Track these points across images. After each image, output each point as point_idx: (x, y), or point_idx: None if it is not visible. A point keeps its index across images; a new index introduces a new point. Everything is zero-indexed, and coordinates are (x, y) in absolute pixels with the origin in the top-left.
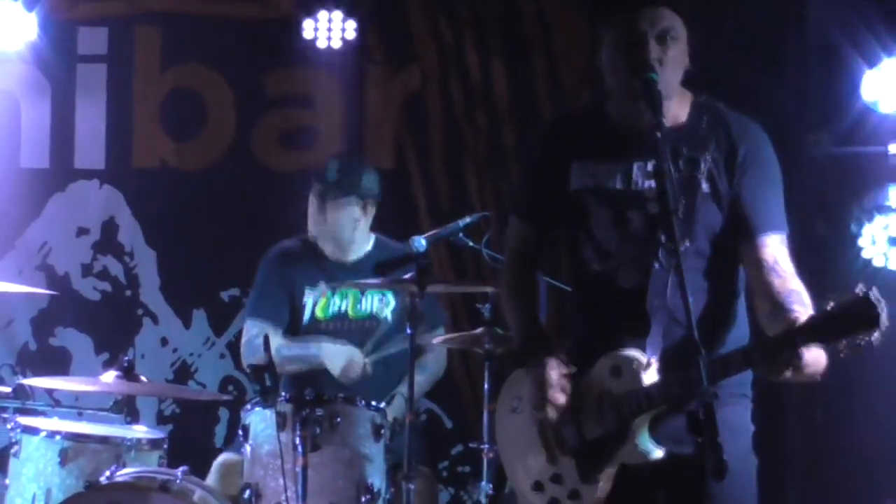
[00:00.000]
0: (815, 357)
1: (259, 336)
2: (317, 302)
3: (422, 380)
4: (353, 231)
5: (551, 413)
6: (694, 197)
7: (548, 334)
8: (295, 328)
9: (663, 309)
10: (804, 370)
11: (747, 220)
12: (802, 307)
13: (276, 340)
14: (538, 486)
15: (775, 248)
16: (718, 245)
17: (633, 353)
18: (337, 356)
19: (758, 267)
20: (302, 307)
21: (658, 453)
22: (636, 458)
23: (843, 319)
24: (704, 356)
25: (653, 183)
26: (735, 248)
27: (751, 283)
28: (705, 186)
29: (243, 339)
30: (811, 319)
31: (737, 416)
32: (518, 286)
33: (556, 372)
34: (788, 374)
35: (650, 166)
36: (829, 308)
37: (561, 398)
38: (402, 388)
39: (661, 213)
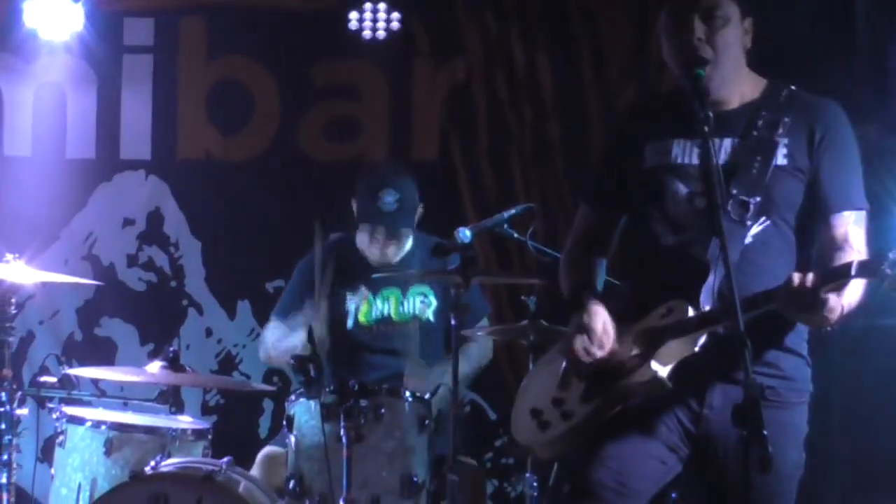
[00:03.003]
0: (833, 304)
1: (274, 331)
2: (359, 307)
3: (465, 367)
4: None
5: (590, 345)
6: (772, 157)
7: (595, 288)
8: (339, 333)
9: (723, 262)
10: (824, 311)
11: (824, 198)
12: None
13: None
14: (535, 412)
15: (848, 226)
16: (798, 220)
17: (684, 302)
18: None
19: (829, 243)
20: (345, 313)
21: (665, 383)
22: (644, 380)
23: (859, 268)
24: (749, 346)
25: (725, 156)
26: (814, 226)
27: (821, 254)
28: (784, 159)
29: (262, 335)
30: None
31: (796, 419)
32: (574, 259)
33: (600, 313)
34: (807, 313)
35: (730, 140)
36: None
37: (602, 330)
38: (447, 379)
39: (704, 181)
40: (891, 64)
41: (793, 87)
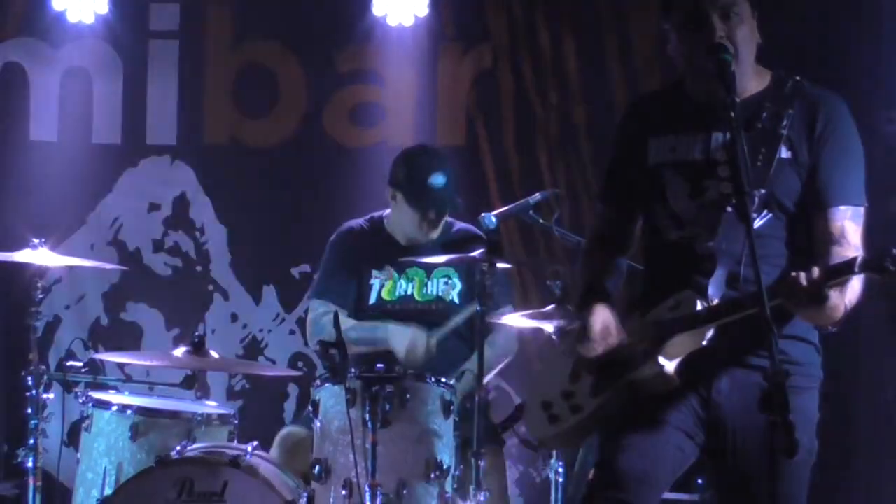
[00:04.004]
0: (835, 301)
1: (325, 315)
2: (384, 284)
3: (490, 355)
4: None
5: (589, 344)
6: (775, 150)
7: (604, 289)
8: (361, 309)
9: (730, 255)
10: (826, 308)
11: (821, 192)
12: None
13: (348, 322)
14: (546, 405)
15: (845, 221)
16: (796, 214)
17: (693, 293)
18: (401, 338)
19: (824, 238)
20: (368, 288)
21: (673, 378)
22: (652, 375)
23: (863, 263)
24: (775, 332)
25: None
26: (812, 218)
27: (817, 248)
28: (786, 153)
29: (309, 318)
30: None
31: (808, 403)
32: (587, 259)
33: (601, 312)
34: (811, 309)
35: (721, 137)
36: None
37: (601, 331)
38: (471, 365)
39: (733, 174)
40: None
41: (797, 79)
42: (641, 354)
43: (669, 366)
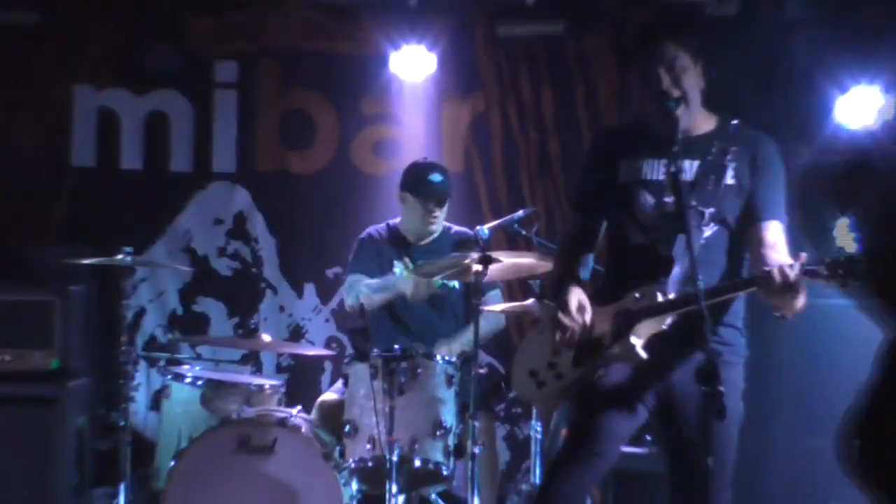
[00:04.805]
0: (803, 293)
1: (357, 281)
2: (403, 271)
3: (484, 327)
4: (440, 224)
5: (569, 320)
6: (723, 176)
7: (576, 276)
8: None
9: (686, 257)
10: (795, 297)
11: (758, 210)
12: None
13: (364, 284)
14: (532, 373)
15: (775, 232)
16: (736, 228)
17: (654, 288)
18: (408, 283)
19: (760, 243)
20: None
21: (642, 354)
22: (624, 352)
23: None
24: (707, 313)
25: (691, 174)
26: (746, 230)
27: (752, 254)
28: (732, 179)
29: (345, 286)
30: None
31: (735, 375)
32: (562, 254)
33: (576, 292)
34: (784, 297)
35: (689, 162)
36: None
37: (577, 307)
38: (463, 338)
39: (675, 194)
40: (820, 95)
41: (736, 122)
42: (615, 334)
43: (638, 343)
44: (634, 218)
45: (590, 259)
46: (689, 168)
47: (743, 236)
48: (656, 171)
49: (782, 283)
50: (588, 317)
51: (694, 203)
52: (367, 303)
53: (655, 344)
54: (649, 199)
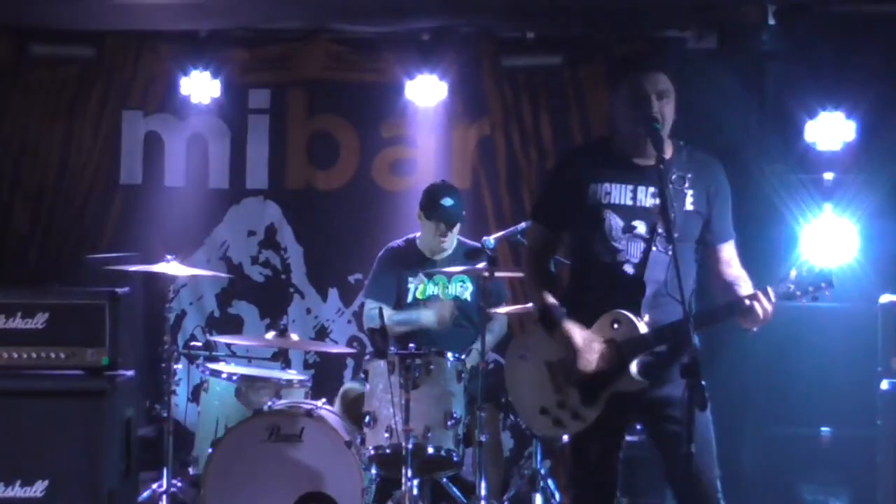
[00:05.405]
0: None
1: (374, 309)
2: (417, 287)
3: (490, 338)
4: (451, 243)
5: (586, 363)
6: (683, 203)
7: (559, 305)
8: (401, 305)
9: (656, 281)
10: (764, 317)
11: (715, 232)
12: (746, 284)
13: (388, 312)
14: (544, 411)
15: (729, 250)
16: (696, 248)
17: (627, 312)
18: (430, 315)
19: (717, 261)
20: (406, 290)
21: (643, 382)
22: (629, 385)
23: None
24: (692, 321)
25: (656, 201)
26: (702, 249)
27: (710, 270)
28: (691, 206)
29: (364, 312)
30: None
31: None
32: (535, 274)
33: (580, 332)
34: (758, 322)
35: (653, 189)
36: (792, 276)
37: (593, 349)
38: (477, 345)
39: (663, 217)
40: (791, 118)
41: (683, 144)
42: (613, 371)
43: (636, 374)
44: (603, 238)
45: (553, 265)
46: (654, 195)
47: (702, 255)
48: (624, 195)
49: (763, 315)
50: (598, 347)
51: (660, 230)
52: (390, 327)
53: (646, 364)
54: (618, 221)
